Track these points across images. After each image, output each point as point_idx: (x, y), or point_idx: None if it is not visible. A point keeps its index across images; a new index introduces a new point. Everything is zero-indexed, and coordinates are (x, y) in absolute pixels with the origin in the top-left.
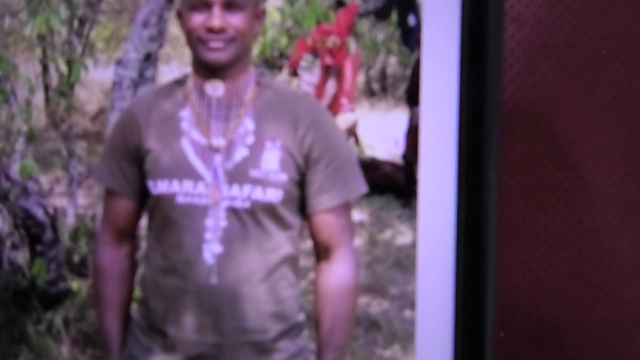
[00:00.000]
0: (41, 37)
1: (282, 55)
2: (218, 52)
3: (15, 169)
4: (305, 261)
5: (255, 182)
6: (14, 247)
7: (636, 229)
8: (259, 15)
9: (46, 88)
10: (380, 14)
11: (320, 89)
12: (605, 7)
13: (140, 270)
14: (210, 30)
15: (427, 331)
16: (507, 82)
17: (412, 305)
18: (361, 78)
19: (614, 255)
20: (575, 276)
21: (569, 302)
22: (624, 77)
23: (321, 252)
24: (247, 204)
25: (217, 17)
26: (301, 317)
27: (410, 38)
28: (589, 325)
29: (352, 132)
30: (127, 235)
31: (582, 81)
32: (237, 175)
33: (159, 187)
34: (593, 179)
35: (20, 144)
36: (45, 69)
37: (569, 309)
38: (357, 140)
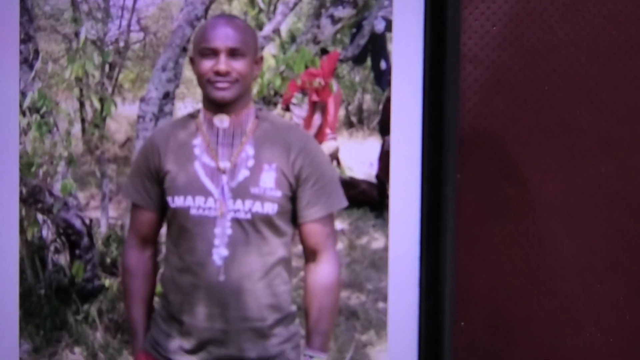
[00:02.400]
0: (78, 79)
1: (276, 93)
2: (224, 91)
3: (57, 187)
4: (296, 262)
5: (255, 197)
6: (57, 251)
7: (574, 235)
8: (257, 61)
9: (83, 121)
10: (357, 60)
11: (308, 121)
12: (548, 50)
13: (161, 270)
14: (218, 73)
15: (396, 320)
16: (465, 112)
17: (384, 299)
18: (342, 112)
19: (556, 257)
20: (524, 275)
21: (519, 296)
22: (564, 108)
23: (309, 255)
24: (248, 216)
25: (223, 63)
26: (293, 308)
27: (382, 79)
28: (535, 316)
29: (334, 156)
30: (150, 241)
31: (529, 111)
32: (240, 192)
33: (176, 202)
34: (539, 194)
35: (61, 167)
36: (81, 105)
37: (519, 302)
38: (338, 163)
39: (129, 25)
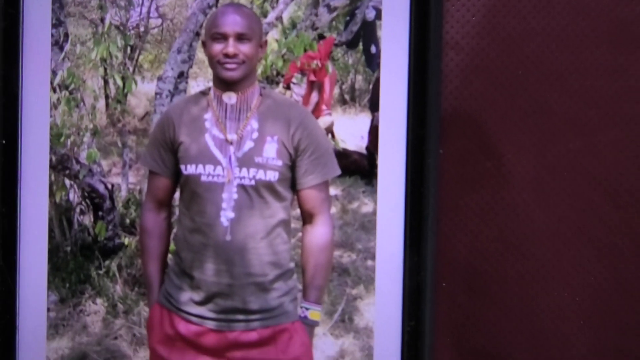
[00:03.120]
0: (103, 60)
1: (278, 74)
2: (232, 72)
3: (83, 156)
4: (295, 224)
5: (259, 166)
6: (82, 212)
7: (545, 204)
8: (262, 44)
9: (106, 97)
10: (350, 44)
11: (306, 98)
12: (522, 38)
13: (174, 230)
14: (226, 55)
15: (383, 277)
16: (447, 93)
17: (373, 257)
18: (336, 91)
19: (528, 224)
20: (499, 240)
21: (494, 259)
22: (536, 91)
23: (306, 218)
24: (252, 182)
25: (231, 46)
26: (292, 265)
27: (372, 62)
28: (509, 277)
29: (329, 130)
30: (165, 204)
31: (505, 94)
32: (245, 161)
33: (188, 169)
34: (513, 167)
35: (87, 138)
36: (106, 83)
37: (495, 265)
38: (333, 136)
39: (148, 12)
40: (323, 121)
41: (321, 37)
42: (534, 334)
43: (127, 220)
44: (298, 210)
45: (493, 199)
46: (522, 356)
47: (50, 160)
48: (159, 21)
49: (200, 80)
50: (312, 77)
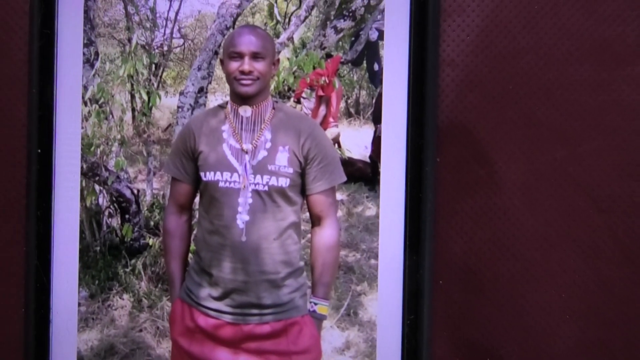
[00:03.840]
0: (130, 76)
1: (289, 89)
2: (247, 87)
3: (111, 164)
4: (304, 226)
5: (272, 173)
6: (110, 215)
7: (533, 209)
8: (274, 63)
9: (133, 110)
10: (355, 62)
11: (315, 111)
12: (512, 56)
13: (194, 232)
14: (242, 72)
15: (385, 275)
16: (444, 106)
17: (376, 257)
18: (342, 105)
19: (518, 227)
20: (492, 242)
21: (487, 260)
22: (525, 104)
23: (315, 220)
24: (266, 188)
25: (247, 64)
26: (301, 263)
27: (375, 78)
28: (501, 276)
29: (336, 140)
30: (186, 208)
31: (497, 106)
32: (259, 169)
33: (208, 176)
34: (504, 174)
35: (115, 147)
36: (132, 97)
37: (487, 264)
38: (339, 146)
39: (171, 33)
40: (330, 132)
41: (329, 55)
42: (523, 327)
43: (152, 223)
44: (307, 214)
45: (486, 203)
46: (512, 348)
47: (82, 167)
48: (181, 41)
49: (219, 95)
50: (321, 92)
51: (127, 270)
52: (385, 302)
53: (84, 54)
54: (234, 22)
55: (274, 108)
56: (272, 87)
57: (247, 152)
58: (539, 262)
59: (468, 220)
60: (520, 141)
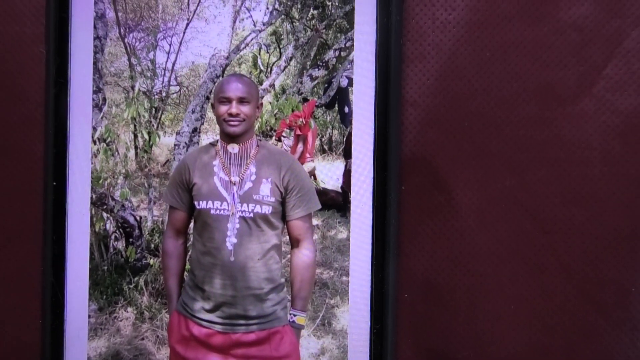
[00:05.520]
0: (133, 119)
1: (271, 129)
2: (235, 127)
3: (117, 194)
4: (285, 248)
5: (256, 202)
6: (116, 239)
7: (486, 230)
8: (258, 106)
9: (136, 148)
10: (328, 106)
11: (293, 148)
12: (467, 97)
13: (189, 253)
14: (230, 115)
15: (355, 289)
16: (407, 142)
17: (347, 274)
18: (317, 142)
19: (473, 246)
20: (450, 259)
21: (446, 275)
22: (479, 139)
23: (294, 242)
24: (251, 215)
25: (234, 107)
26: (282, 280)
27: (346, 119)
28: (458, 290)
29: (312, 173)
30: (182, 232)
31: (454, 141)
32: (246, 198)
33: (201, 204)
34: (461, 200)
35: (120, 180)
36: (135, 136)
37: (446, 279)
38: (315, 178)
39: (169, 81)
40: (307, 166)
41: (305, 100)
42: (477, 334)
43: (152, 245)
44: (287, 237)
45: (444, 225)
46: (468, 352)
47: (92, 197)
48: (177, 88)
49: (210, 134)
50: (298, 132)
51: (131, 286)
52: (355, 313)
53: (93, 99)
54: (223, 71)
55: (258, 145)
56: (256, 127)
57: (234, 184)
58: (490, 276)
59: (429, 240)
60: (474, 171)
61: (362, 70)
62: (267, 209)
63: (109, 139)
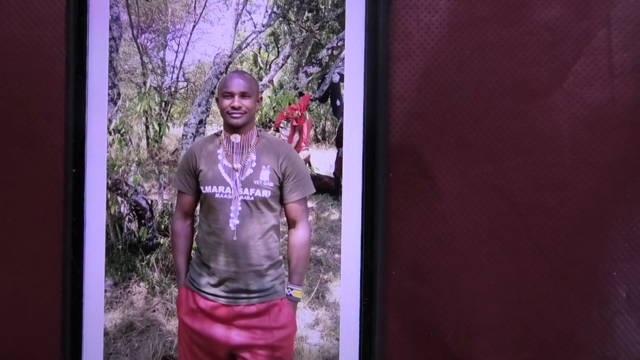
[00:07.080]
0: (145, 112)
1: (270, 120)
2: (237, 119)
3: (131, 180)
4: (283, 228)
5: (256, 186)
6: (130, 221)
7: (467, 213)
8: (258, 100)
9: (147, 138)
10: (322, 99)
11: (290, 138)
12: (449, 92)
13: (196, 233)
14: (233, 108)
15: (346, 266)
16: (394, 133)
17: (339, 252)
18: (312, 133)
19: (454, 227)
20: (434, 240)
21: (430, 253)
22: (460, 130)
23: (291, 223)
24: (252, 198)
25: (236, 101)
26: (280, 257)
27: (337, 112)
28: (441, 267)
29: (307, 160)
30: (189, 214)
31: (438, 132)
32: (247, 183)
33: (206, 189)
34: (443, 185)
35: (133, 167)
36: (147, 128)
37: (431, 258)
38: (309, 165)
39: (177, 77)
40: (302, 154)
41: (301, 94)
42: (459, 308)
43: (162, 226)
44: (285, 218)
45: (428, 209)
46: (449, 325)
47: (107, 183)
48: (185, 84)
49: (214, 126)
50: (295, 123)
51: (143, 263)
52: (346, 287)
53: (108, 94)
54: (226, 69)
55: (258, 135)
56: (256, 119)
57: (237, 170)
58: (470, 255)
59: (414, 222)
60: (455, 159)
61: (353, 67)
62: (266, 193)
63: (123, 130)
